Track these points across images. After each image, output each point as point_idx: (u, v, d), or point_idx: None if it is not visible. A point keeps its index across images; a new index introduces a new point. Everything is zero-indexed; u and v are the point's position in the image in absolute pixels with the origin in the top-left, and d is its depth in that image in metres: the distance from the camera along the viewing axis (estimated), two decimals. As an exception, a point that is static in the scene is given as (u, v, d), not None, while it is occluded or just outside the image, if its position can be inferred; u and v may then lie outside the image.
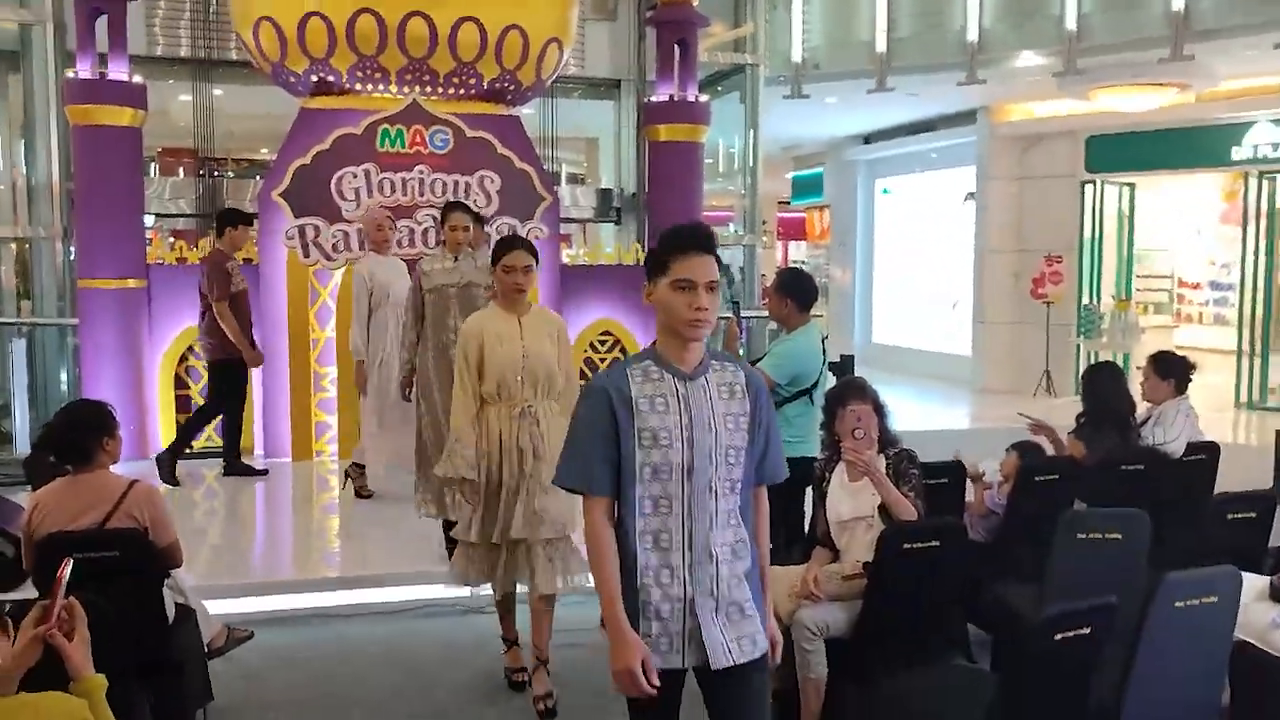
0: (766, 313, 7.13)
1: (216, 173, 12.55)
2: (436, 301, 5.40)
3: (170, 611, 3.71)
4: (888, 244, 15.60)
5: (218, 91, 10.97)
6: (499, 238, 4.79)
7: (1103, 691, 3.10)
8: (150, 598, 3.54)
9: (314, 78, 7.98)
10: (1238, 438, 9.60)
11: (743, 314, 8.52)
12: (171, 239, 10.75)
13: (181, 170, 12.92)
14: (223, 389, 7.37)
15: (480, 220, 6.39)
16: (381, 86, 8.01)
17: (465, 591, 4.93)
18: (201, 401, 8.02)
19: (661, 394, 2.48)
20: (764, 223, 16.85)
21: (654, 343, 2.60)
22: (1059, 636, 2.85)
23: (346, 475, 7.01)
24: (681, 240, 2.52)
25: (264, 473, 7.60)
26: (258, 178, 12.59)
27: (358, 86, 8.00)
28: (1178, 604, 3.00)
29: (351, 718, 4.16)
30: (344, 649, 4.84)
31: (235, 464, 7.54)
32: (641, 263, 8.93)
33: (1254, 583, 3.75)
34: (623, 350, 8.92)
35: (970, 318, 13.27)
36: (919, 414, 10.83)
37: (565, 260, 9.03)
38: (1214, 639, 3.18)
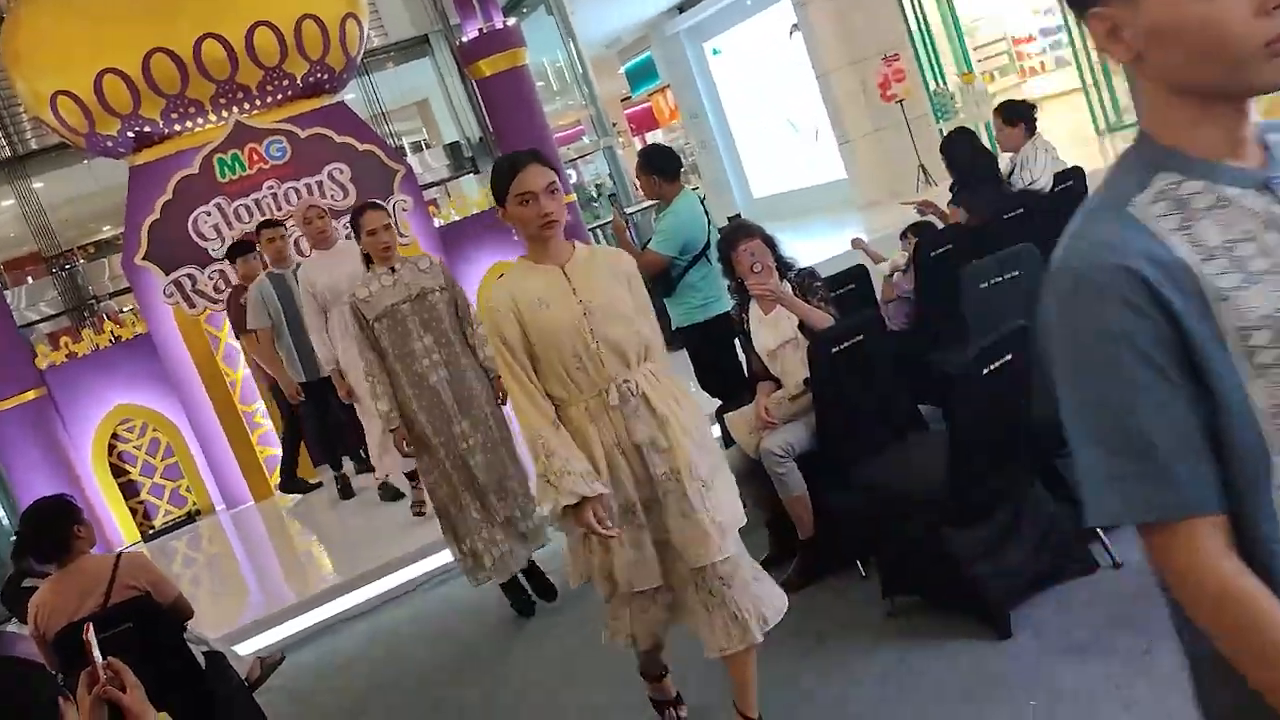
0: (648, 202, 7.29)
1: (68, 265, 12.24)
2: (391, 327, 4.33)
3: (200, 661, 3.84)
4: (736, 101, 15.77)
5: (38, 185, 10.66)
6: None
7: (1038, 406, 3.39)
8: (177, 653, 3.66)
9: (130, 134, 7.83)
10: (1106, 159, 10.08)
11: (627, 210, 8.67)
12: (50, 342, 10.52)
13: (30, 276, 12.57)
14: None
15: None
16: (201, 119, 7.88)
17: (446, 555, 5.21)
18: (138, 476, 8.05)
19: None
20: (614, 124, 16.89)
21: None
22: (986, 371, 3.11)
23: (383, 493, 6.60)
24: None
25: (318, 485, 7.67)
26: (108, 257, 12.34)
27: (177, 127, 7.86)
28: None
29: (400, 699, 4.33)
30: (373, 641, 5.02)
31: (289, 482, 7.56)
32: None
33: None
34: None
35: (834, 141, 13.56)
36: (815, 248, 11.10)
37: (439, 223, 9.05)
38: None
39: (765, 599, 2.89)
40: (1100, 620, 3.10)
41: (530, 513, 4.51)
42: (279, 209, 7.88)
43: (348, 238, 5.72)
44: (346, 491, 7.11)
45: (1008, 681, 2.96)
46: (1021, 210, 5.14)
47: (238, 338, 7.28)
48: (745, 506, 2.99)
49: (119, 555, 3.65)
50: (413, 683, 4.39)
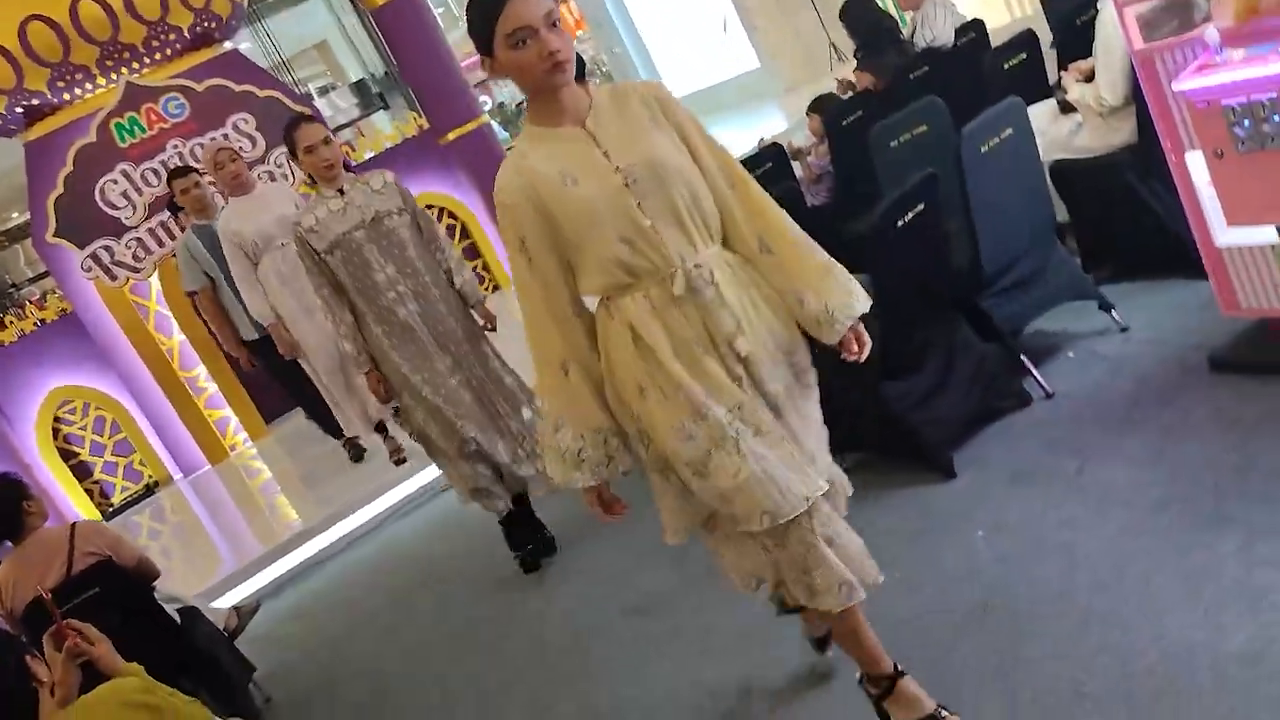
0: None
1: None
2: (347, 259, 3.74)
3: (175, 617, 3.87)
4: (639, 3, 15.52)
5: (-66, 176, 10.31)
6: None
7: (956, 252, 3.48)
8: (150, 611, 3.69)
9: (19, 109, 7.55)
10: (1012, 13, 10.10)
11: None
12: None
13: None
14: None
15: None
16: (89, 85, 7.62)
17: (407, 488, 5.38)
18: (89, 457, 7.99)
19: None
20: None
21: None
22: (900, 222, 3.17)
23: (350, 448, 6.18)
24: None
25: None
26: (21, 242, 12.00)
27: (67, 96, 7.60)
28: (982, 149, 3.35)
29: (383, 626, 4.40)
30: (350, 577, 5.07)
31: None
32: (425, 127, 8.93)
33: (1044, 109, 4.16)
34: (452, 215, 8.93)
35: (743, 31, 13.42)
36: (741, 140, 11.10)
37: (354, 161, 8.88)
38: (1026, 163, 3.56)
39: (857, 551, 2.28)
40: (1037, 448, 3.22)
41: (527, 457, 4.01)
42: (187, 167, 7.69)
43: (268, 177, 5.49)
44: (358, 454, 6.19)
45: (955, 517, 3.08)
46: (926, 69, 5.17)
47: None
48: None
49: (74, 525, 3.65)
50: (391, 610, 4.46)
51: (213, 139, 7.71)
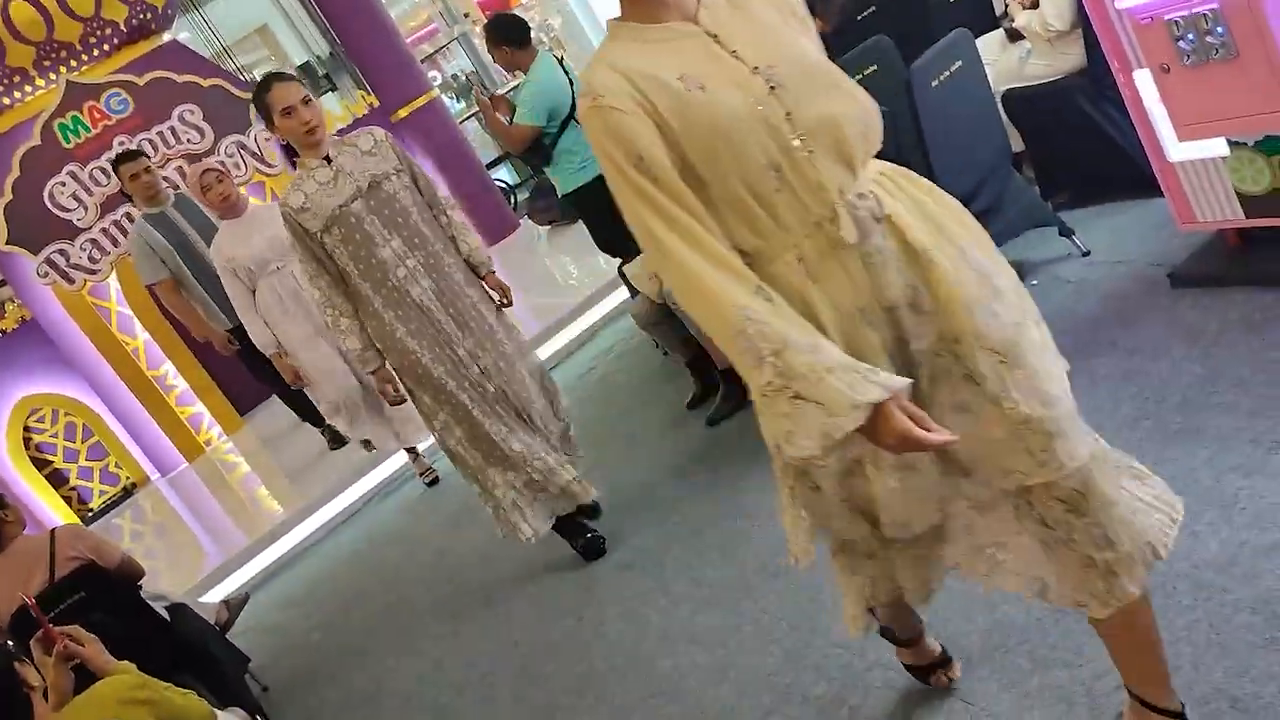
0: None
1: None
2: (346, 237, 3.23)
3: (164, 615, 3.86)
4: (582, -36, 15.34)
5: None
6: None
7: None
8: (138, 610, 3.67)
9: (-41, 117, 7.42)
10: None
11: (502, 91, 8.49)
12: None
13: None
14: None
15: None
16: (29, 87, 7.48)
17: (382, 471, 5.38)
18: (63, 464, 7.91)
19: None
20: (465, 13, 16.36)
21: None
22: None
23: (330, 435, 5.93)
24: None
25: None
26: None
27: (6, 100, 7.45)
28: (934, 84, 3.35)
29: (376, 608, 4.41)
30: (337, 562, 5.07)
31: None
32: (375, 105, 8.82)
33: (992, 39, 4.17)
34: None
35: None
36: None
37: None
38: (977, 95, 3.56)
39: (1149, 524, 1.69)
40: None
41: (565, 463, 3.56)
42: (136, 164, 7.57)
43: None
44: (338, 441, 5.91)
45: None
46: (874, 9, 5.14)
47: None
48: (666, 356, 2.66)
49: (54, 531, 3.62)
50: (381, 590, 4.47)
51: (160, 134, 7.59)
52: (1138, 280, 3.34)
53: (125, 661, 2.43)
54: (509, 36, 4.82)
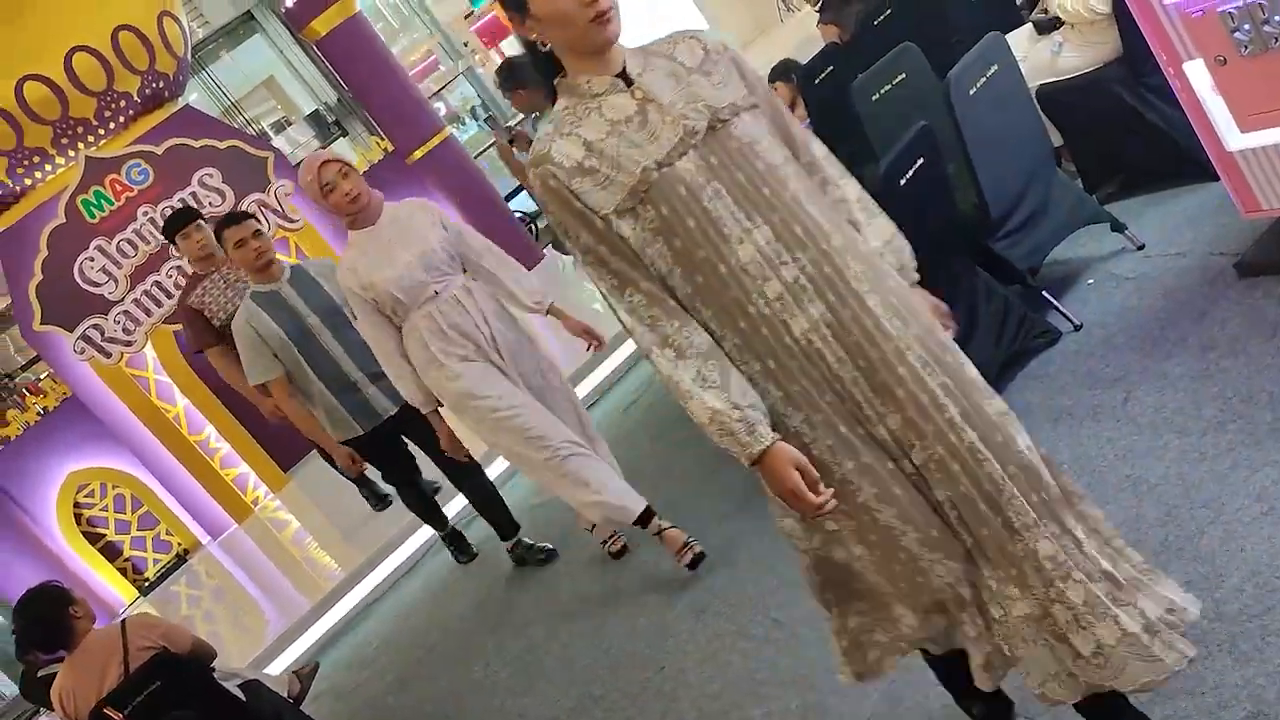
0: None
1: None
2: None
3: (239, 695, 3.83)
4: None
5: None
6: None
7: (961, 200, 3.41)
8: (213, 694, 3.65)
9: (-18, 202, 7.47)
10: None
11: (509, 125, 8.46)
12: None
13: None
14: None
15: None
16: (49, 166, 7.52)
17: (457, 504, 5.10)
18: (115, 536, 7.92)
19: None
20: (465, 44, 16.40)
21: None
22: (903, 180, 3.10)
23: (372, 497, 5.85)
24: (309, 166, 3.06)
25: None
26: (8, 335, 11.89)
27: (28, 181, 7.50)
28: (970, 91, 3.28)
29: (465, 650, 4.33)
30: (402, 616, 5.03)
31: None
32: (389, 150, 8.82)
33: (1021, 35, 4.09)
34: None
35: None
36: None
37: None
38: (1016, 98, 3.49)
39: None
40: (1077, 383, 3.17)
41: None
42: (160, 233, 7.60)
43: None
44: (382, 502, 5.81)
45: (1007, 468, 3.02)
46: (889, 11, 5.07)
47: (198, 352, 5.32)
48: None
49: (124, 623, 3.60)
50: (451, 642, 4.41)
51: (181, 200, 7.61)
52: (1201, 271, 3.25)
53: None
54: (524, 79, 4.79)
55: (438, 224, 3.61)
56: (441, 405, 3.68)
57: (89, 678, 3.50)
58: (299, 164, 3.89)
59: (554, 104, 1.76)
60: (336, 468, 5.08)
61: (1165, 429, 2.76)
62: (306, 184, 3.51)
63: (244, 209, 7.67)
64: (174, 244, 5.04)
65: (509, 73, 4.88)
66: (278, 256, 4.23)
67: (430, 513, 4.91)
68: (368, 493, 5.82)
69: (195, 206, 7.57)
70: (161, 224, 7.38)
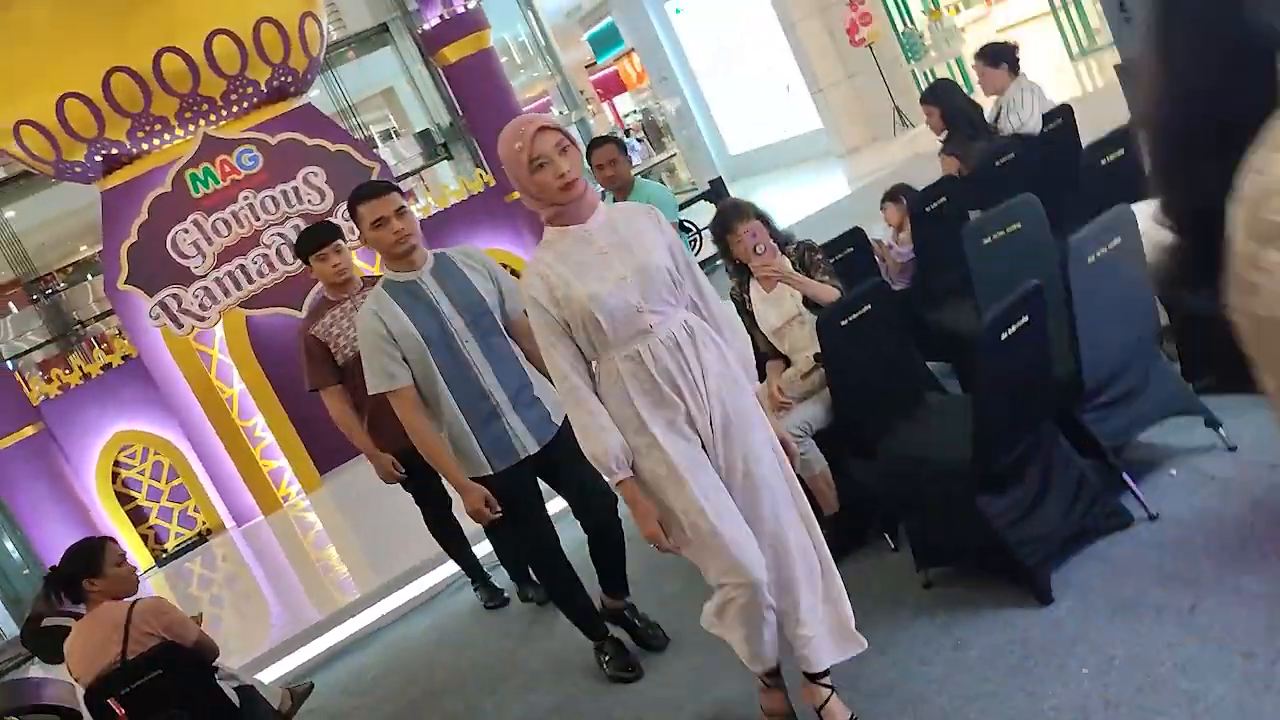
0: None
1: (50, 290, 12.10)
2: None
3: (234, 698, 3.80)
4: (703, 59, 15.57)
5: (9, 213, 10.50)
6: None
7: (1058, 363, 3.34)
8: (210, 693, 3.62)
9: (98, 157, 7.68)
10: (1085, 87, 9.98)
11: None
12: (42, 373, 10.42)
13: (12, 304, 12.43)
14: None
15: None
16: (168, 135, 7.74)
17: (484, 548, 5.00)
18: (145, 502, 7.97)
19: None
20: (581, 92, 16.70)
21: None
22: (1004, 335, 3.05)
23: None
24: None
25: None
26: (89, 276, 12.20)
27: (145, 146, 7.72)
28: (1090, 259, 3.22)
29: (465, 704, 4.28)
30: (403, 652, 4.98)
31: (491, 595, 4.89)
32: (490, 185, 8.95)
33: (1146, 210, 4.02)
34: (515, 272, 8.92)
35: (807, 91, 13.41)
36: (799, 201, 11.04)
37: (419, 215, 8.92)
38: (1133, 274, 3.42)
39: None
40: (1143, 577, 3.06)
41: None
42: (258, 219, 7.75)
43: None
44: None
45: (1056, 649, 2.92)
46: (1013, 155, 5.06)
47: (312, 391, 4.29)
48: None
49: (133, 604, 3.60)
50: (452, 692, 4.35)
51: (283, 193, 7.76)
52: (1292, 488, 3.14)
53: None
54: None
55: (666, 239, 2.73)
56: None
57: (89, 646, 3.51)
58: (395, 176, 3.79)
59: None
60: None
61: (1232, 647, 2.64)
62: (510, 153, 2.61)
63: (340, 214, 7.81)
64: (307, 263, 4.28)
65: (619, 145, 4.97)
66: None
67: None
68: (481, 587, 4.89)
69: (295, 200, 7.73)
70: (259, 212, 7.57)
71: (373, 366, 3.33)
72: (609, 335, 2.63)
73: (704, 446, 2.71)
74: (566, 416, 3.01)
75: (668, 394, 2.65)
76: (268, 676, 4.94)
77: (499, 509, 3.41)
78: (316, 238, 4.25)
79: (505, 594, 4.72)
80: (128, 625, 3.56)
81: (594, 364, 2.73)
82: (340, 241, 4.25)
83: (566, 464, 3.42)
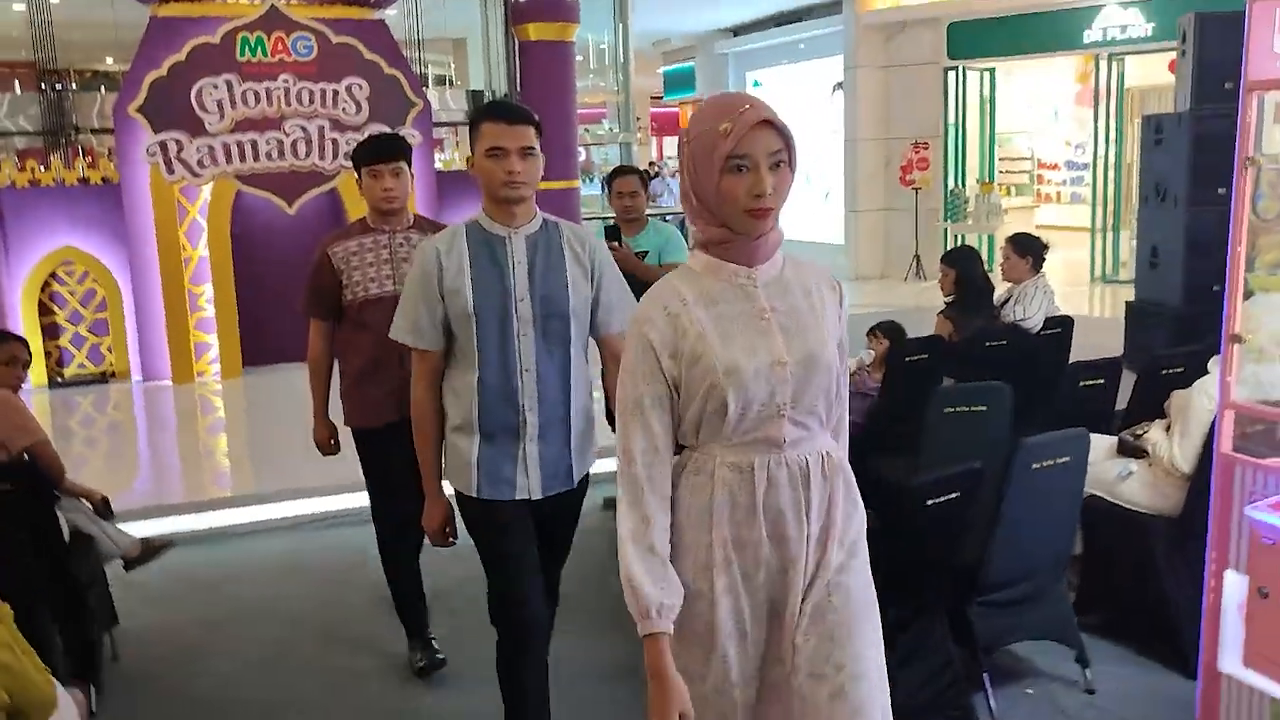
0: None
1: (59, 86, 11.87)
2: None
3: (65, 533, 3.69)
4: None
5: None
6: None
7: (968, 548, 3.38)
8: (45, 525, 3.50)
9: (163, -20, 7.61)
10: (1093, 310, 10.21)
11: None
12: (18, 160, 10.19)
13: (18, 84, 12.20)
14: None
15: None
16: (236, -8, 7.69)
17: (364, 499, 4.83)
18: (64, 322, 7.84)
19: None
20: (637, 119, 16.81)
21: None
22: (930, 502, 3.08)
23: None
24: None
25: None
26: (102, 89, 12.01)
27: (208, -8, 7.66)
28: (1034, 466, 3.27)
29: (264, 630, 4.21)
30: (248, 565, 4.88)
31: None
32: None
33: (1101, 442, 4.10)
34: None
35: (842, 206, 13.61)
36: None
37: (439, 166, 8.90)
38: (1066, 495, 3.48)
39: None
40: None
41: None
42: (289, 104, 7.69)
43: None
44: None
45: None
46: (1004, 343, 5.15)
47: (304, 314, 3.63)
48: None
49: None
50: (282, 622, 4.26)
51: (323, 91, 7.71)
52: (1131, 752, 3.18)
53: (5, 606, 2.29)
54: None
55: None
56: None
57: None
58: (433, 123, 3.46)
59: None
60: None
61: None
62: (704, 131, 1.76)
63: (366, 133, 7.75)
64: (358, 172, 3.54)
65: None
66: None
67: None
68: (420, 649, 3.78)
69: (331, 103, 7.67)
70: (292, 99, 7.51)
71: (405, 310, 2.71)
72: (727, 428, 1.82)
73: (768, 634, 1.89)
74: (586, 476, 2.69)
75: (763, 539, 1.84)
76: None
77: (455, 539, 2.84)
78: (377, 149, 3.52)
79: (443, 657, 3.73)
80: None
81: (683, 454, 1.91)
82: (403, 164, 3.52)
83: (547, 542, 2.79)
